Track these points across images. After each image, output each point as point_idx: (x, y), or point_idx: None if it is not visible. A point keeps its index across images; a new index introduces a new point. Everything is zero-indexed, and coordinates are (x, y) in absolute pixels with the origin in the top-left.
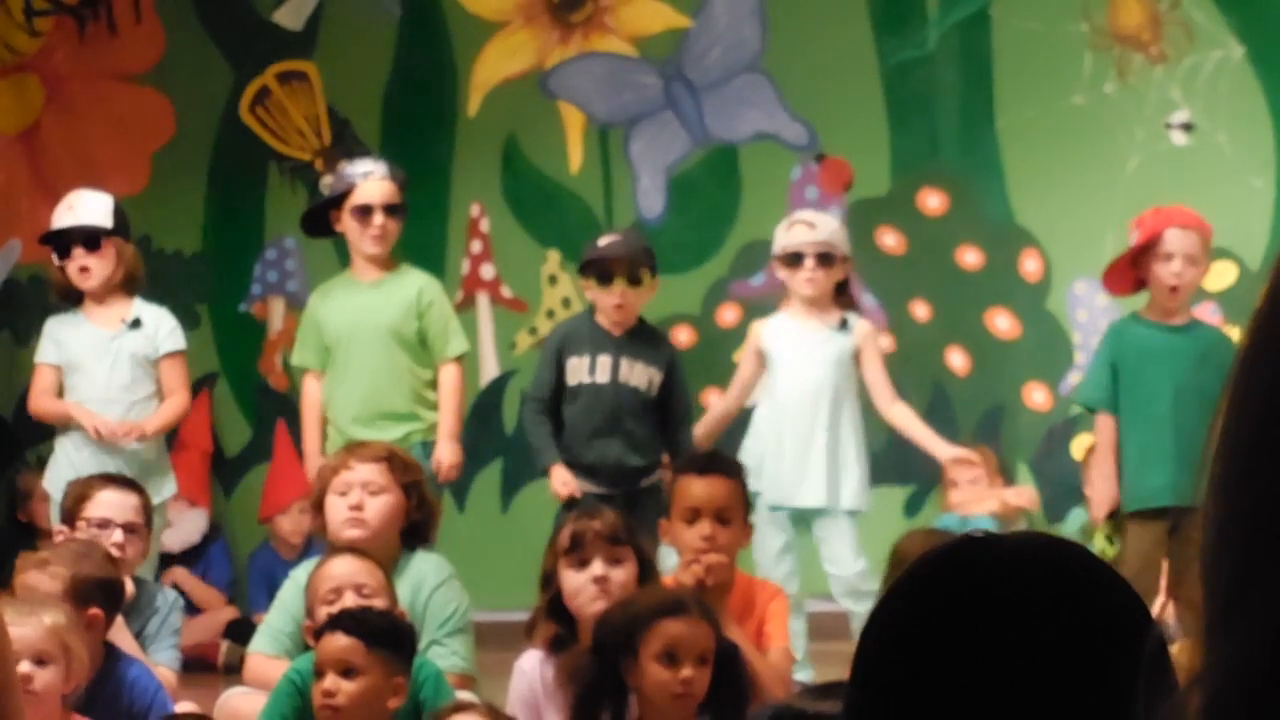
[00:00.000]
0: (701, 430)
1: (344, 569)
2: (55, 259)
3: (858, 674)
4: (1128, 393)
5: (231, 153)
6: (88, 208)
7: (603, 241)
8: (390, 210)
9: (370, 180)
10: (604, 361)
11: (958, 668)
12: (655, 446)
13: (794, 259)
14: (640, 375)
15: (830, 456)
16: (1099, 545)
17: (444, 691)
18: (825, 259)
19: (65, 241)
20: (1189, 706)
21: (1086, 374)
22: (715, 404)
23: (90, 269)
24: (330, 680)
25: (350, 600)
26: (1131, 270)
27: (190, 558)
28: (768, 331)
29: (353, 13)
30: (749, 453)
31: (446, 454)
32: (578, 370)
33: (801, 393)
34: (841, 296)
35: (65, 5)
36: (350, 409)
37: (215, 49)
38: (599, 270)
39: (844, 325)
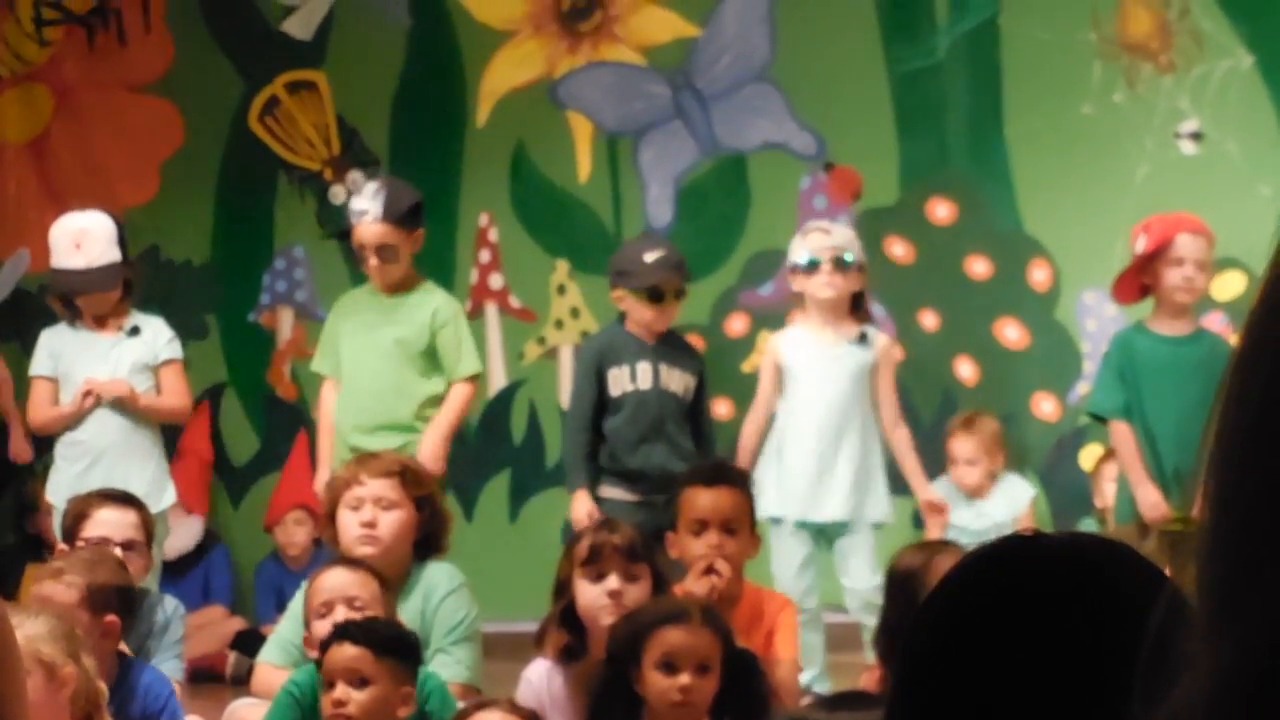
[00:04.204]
0: (745, 457)
1: (335, 582)
2: (60, 295)
3: (901, 673)
4: (1133, 405)
5: (240, 162)
6: (95, 246)
7: (649, 258)
8: (382, 252)
9: (363, 224)
10: (644, 368)
11: (1003, 667)
12: (694, 453)
13: (811, 265)
14: (678, 381)
15: (853, 471)
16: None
17: (449, 704)
18: (841, 264)
19: (74, 285)
20: (1186, 709)
21: (1096, 383)
22: (746, 429)
23: (100, 304)
24: (341, 690)
25: (341, 614)
26: (1137, 278)
27: (184, 566)
28: (784, 344)
29: (362, 22)
30: (768, 468)
31: (428, 447)
32: (619, 380)
33: (825, 407)
34: (858, 310)
35: (74, 15)
36: (353, 417)
37: (224, 59)
38: (650, 290)
39: (863, 339)
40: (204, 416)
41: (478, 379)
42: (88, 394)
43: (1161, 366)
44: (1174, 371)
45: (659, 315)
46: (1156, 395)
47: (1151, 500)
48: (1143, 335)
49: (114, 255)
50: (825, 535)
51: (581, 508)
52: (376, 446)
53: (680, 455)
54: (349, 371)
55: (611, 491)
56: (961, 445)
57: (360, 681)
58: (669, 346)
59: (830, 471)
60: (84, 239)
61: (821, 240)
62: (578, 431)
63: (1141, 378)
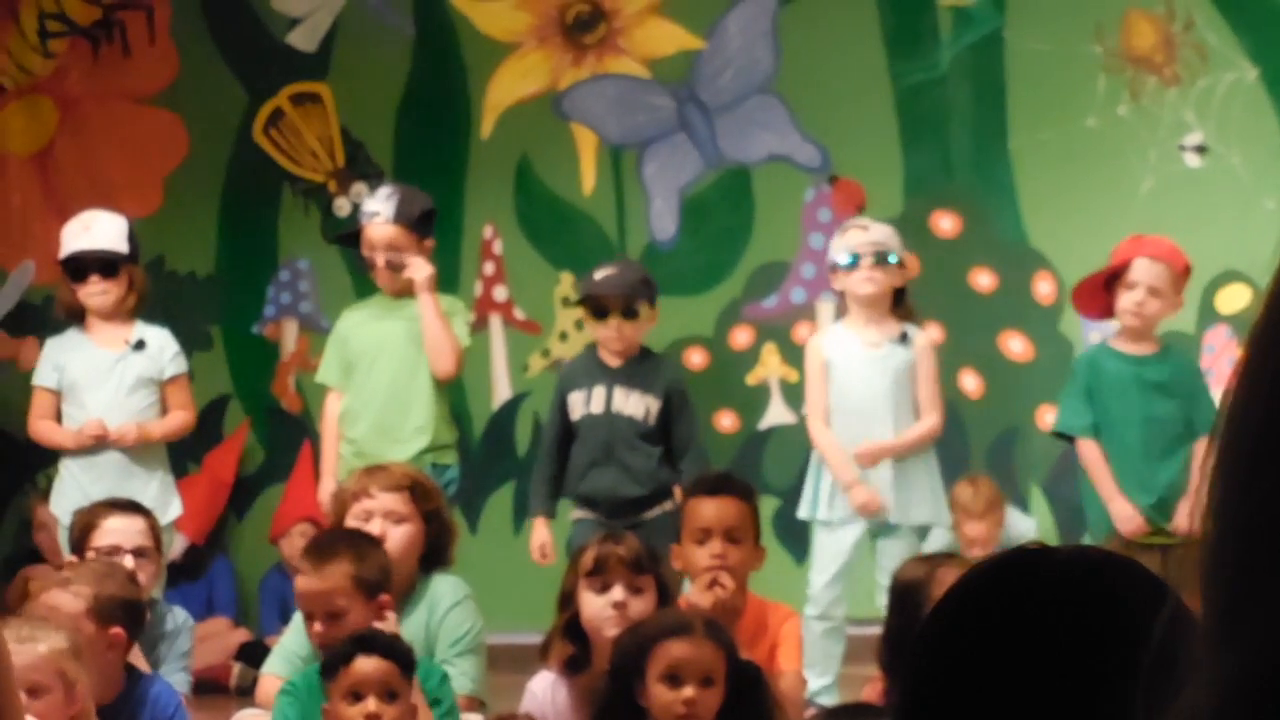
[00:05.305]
0: (844, 475)
1: (307, 584)
2: (68, 280)
3: (908, 686)
4: (1102, 422)
5: (245, 174)
6: (104, 231)
7: (598, 275)
8: (391, 255)
9: (373, 224)
10: (598, 393)
11: (1010, 680)
12: (657, 477)
13: (851, 263)
14: (636, 404)
15: (898, 471)
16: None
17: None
18: (882, 260)
19: (80, 264)
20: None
21: (1062, 402)
22: (821, 441)
23: (104, 294)
24: (374, 704)
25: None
26: (1103, 293)
27: (174, 577)
28: (827, 343)
29: (366, 34)
30: (810, 471)
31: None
32: (577, 405)
33: (868, 407)
34: (900, 308)
35: (79, 27)
36: (368, 418)
37: (229, 70)
38: (594, 305)
39: (904, 338)
40: (237, 442)
41: (461, 351)
42: (95, 434)
43: (1128, 385)
44: (1140, 389)
45: (610, 333)
46: (1125, 412)
47: (1126, 514)
48: (1108, 355)
49: (122, 246)
50: (871, 535)
51: (536, 537)
52: (386, 452)
53: (634, 479)
54: (361, 377)
55: (579, 513)
56: (972, 528)
57: (393, 694)
58: (632, 369)
59: (875, 472)
60: (94, 223)
61: (860, 237)
62: (541, 458)
63: (1110, 396)
